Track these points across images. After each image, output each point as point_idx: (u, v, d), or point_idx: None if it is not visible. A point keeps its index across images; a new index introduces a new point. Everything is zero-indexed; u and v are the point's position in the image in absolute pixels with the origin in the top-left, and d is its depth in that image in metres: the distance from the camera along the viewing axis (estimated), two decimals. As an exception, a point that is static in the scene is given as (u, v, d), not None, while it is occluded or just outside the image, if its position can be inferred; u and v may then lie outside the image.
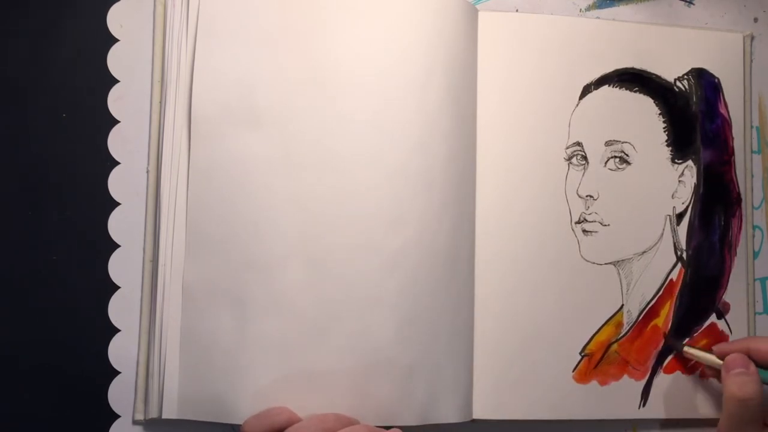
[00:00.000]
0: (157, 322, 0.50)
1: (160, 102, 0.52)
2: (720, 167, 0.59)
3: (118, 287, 0.51)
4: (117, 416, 0.50)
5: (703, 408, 0.57)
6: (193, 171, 0.51)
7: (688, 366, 0.57)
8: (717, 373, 0.54)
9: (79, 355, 0.50)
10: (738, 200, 0.59)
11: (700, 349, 0.56)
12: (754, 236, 0.60)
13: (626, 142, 0.57)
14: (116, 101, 0.52)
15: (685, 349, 0.56)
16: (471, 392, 0.54)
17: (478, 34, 0.56)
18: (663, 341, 0.57)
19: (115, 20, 0.52)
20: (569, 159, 0.57)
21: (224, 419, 0.49)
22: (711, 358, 0.55)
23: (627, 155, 0.57)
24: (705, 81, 0.59)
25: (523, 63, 0.57)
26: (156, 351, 0.50)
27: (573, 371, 0.56)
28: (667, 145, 0.58)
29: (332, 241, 0.50)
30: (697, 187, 0.58)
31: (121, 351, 0.50)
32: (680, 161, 0.58)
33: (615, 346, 0.56)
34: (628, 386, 0.56)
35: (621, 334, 0.57)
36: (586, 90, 0.57)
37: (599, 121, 0.57)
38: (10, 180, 0.50)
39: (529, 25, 0.57)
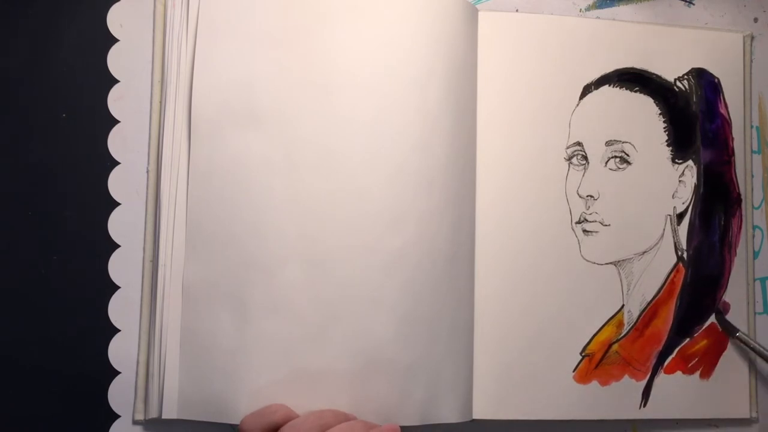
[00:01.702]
0: (157, 322, 0.50)
1: (160, 102, 0.52)
2: (720, 167, 0.59)
3: (118, 287, 0.51)
4: (117, 416, 0.50)
5: (704, 408, 0.57)
6: (193, 171, 0.51)
7: (689, 366, 0.57)
8: None
9: (79, 355, 0.50)
10: (738, 200, 0.59)
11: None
12: (754, 236, 0.60)
13: (627, 142, 0.57)
14: (116, 101, 0.52)
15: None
16: (471, 392, 0.54)
17: (478, 34, 0.56)
18: (664, 341, 0.57)
19: (115, 20, 0.52)
20: (569, 159, 0.57)
21: (224, 419, 0.49)
22: None
23: (627, 155, 0.57)
24: (705, 81, 0.59)
25: (523, 63, 0.57)
26: (156, 351, 0.50)
27: (573, 371, 0.55)
28: (668, 145, 0.58)
29: (332, 241, 0.50)
30: (697, 187, 0.58)
31: (121, 351, 0.50)
32: (680, 161, 0.58)
33: (616, 347, 0.56)
34: (629, 386, 0.56)
35: (622, 334, 0.57)
36: (587, 90, 0.57)
37: (599, 121, 0.57)
38: (11, 180, 0.50)
39: (529, 25, 0.57)
